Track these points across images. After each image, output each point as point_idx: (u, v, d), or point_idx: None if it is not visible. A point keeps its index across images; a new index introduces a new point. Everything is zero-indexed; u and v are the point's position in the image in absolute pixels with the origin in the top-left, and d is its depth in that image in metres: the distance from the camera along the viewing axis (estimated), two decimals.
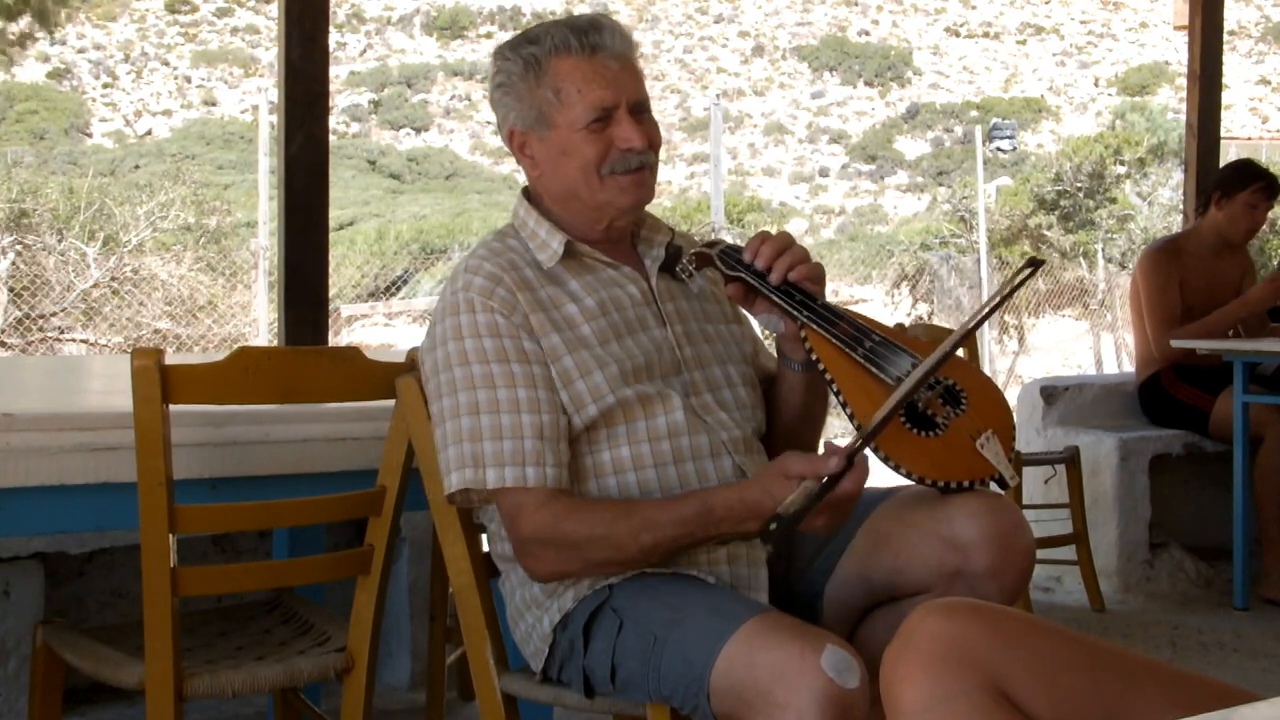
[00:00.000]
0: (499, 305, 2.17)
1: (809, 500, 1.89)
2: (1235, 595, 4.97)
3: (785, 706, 1.85)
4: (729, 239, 2.49)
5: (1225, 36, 6.44)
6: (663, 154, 2.33)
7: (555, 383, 2.17)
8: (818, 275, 2.24)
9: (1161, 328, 5.25)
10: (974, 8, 64.95)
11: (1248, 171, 5.42)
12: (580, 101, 2.19)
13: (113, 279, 12.79)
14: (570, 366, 2.17)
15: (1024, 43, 62.81)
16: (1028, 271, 2.21)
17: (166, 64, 56.41)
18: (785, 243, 2.24)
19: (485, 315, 2.17)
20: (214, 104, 53.63)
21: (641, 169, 2.23)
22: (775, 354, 2.41)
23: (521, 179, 2.39)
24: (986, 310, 2.18)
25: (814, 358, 2.21)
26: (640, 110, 2.24)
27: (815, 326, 2.20)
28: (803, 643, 1.88)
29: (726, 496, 2.05)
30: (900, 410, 2.07)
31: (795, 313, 2.21)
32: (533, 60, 2.22)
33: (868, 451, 2.01)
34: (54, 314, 12.37)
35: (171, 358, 2.30)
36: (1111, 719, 1.39)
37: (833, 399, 2.26)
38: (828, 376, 2.19)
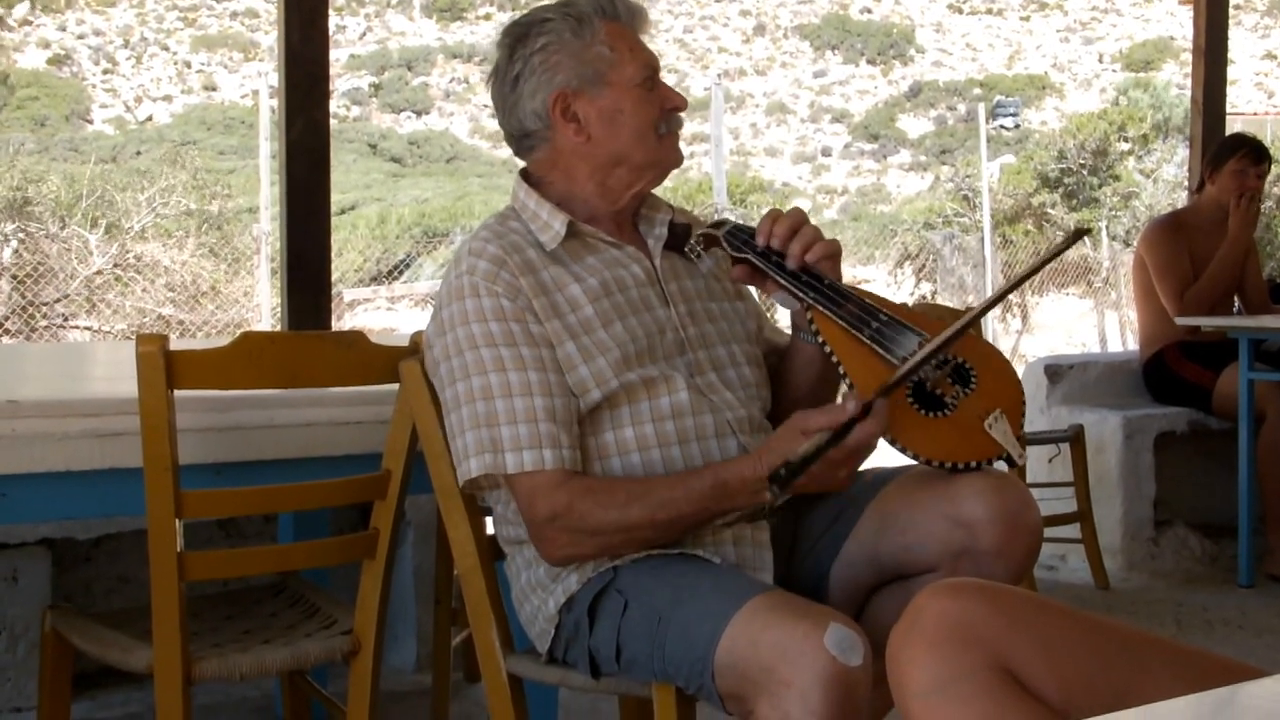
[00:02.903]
0: (503, 289, 2.17)
1: (819, 447, 1.91)
2: (1240, 572, 4.97)
3: (789, 684, 1.85)
4: (733, 219, 2.49)
5: (1231, 11, 6.42)
6: None
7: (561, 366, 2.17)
8: (834, 252, 2.24)
9: (1177, 299, 5.26)
10: None
11: (1232, 141, 5.52)
12: (634, 61, 2.26)
13: (115, 265, 12.79)
14: (573, 352, 2.17)
15: (1027, 19, 62.65)
16: (1074, 237, 2.28)
17: (166, 49, 56.31)
18: (798, 222, 2.24)
19: (490, 299, 2.16)
20: (214, 89, 53.55)
21: (679, 129, 2.33)
22: (790, 327, 2.41)
23: (519, 162, 2.39)
24: (1028, 271, 2.20)
25: (820, 339, 2.20)
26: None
27: (821, 308, 2.19)
28: (806, 621, 1.88)
29: (739, 469, 2.07)
30: (929, 363, 2.09)
31: (802, 294, 2.20)
32: (585, 19, 2.26)
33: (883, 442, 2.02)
34: (57, 301, 12.38)
35: (175, 343, 2.30)
36: (1118, 696, 1.39)
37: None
38: (834, 359, 2.19)
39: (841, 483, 2.07)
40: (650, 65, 2.27)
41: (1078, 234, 2.29)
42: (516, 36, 2.28)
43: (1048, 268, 16.54)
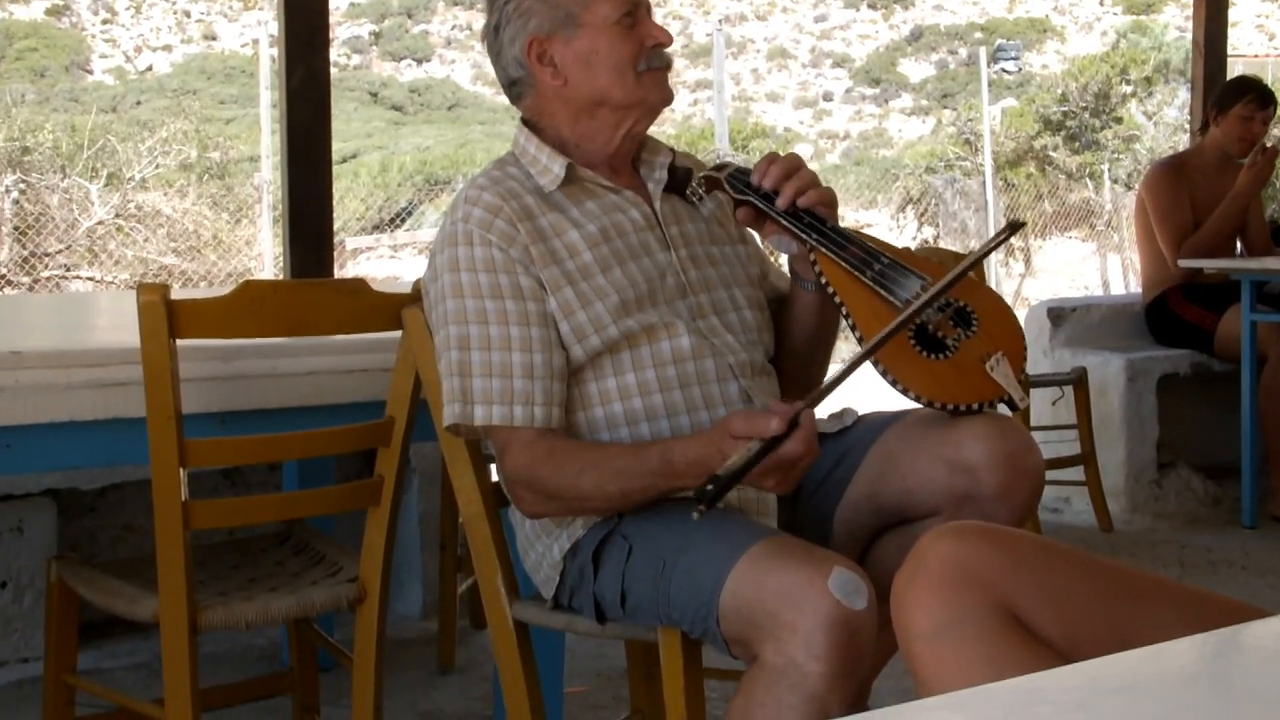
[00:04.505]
0: (497, 238, 2.16)
1: (746, 462, 1.84)
2: (1243, 513, 4.99)
3: (793, 629, 1.85)
4: (734, 163, 2.46)
5: None
6: None
7: (556, 315, 2.16)
8: (828, 200, 2.23)
9: (1174, 244, 5.26)
10: None
11: (1239, 85, 5.50)
12: None
13: (117, 216, 12.77)
14: (571, 298, 2.17)
15: None
16: (1005, 234, 2.26)
17: None
18: (793, 166, 2.23)
19: (483, 249, 2.15)
20: (214, 38, 53.18)
21: (667, 67, 2.26)
22: (788, 273, 2.40)
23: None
24: (957, 273, 2.14)
25: (823, 280, 2.20)
26: (650, 12, 2.26)
27: (824, 249, 2.19)
28: (810, 565, 1.89)
29: (685, 450, 2.02)
30: (869, 359, 2.04)
31: (804, 236, 2.19)
32: None
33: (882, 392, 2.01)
34: (59, 251, 12.37)
35: (177, 293, 2.29)
36: (1121, 638, 1.39)
37: (842, 322, 2.26)
38: (837, 299, 2.18)
39: (773, 489, 2.00)
40: (630, 1, 2.22)
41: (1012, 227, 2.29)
42: None
43: (1050, 213, 16.50)
